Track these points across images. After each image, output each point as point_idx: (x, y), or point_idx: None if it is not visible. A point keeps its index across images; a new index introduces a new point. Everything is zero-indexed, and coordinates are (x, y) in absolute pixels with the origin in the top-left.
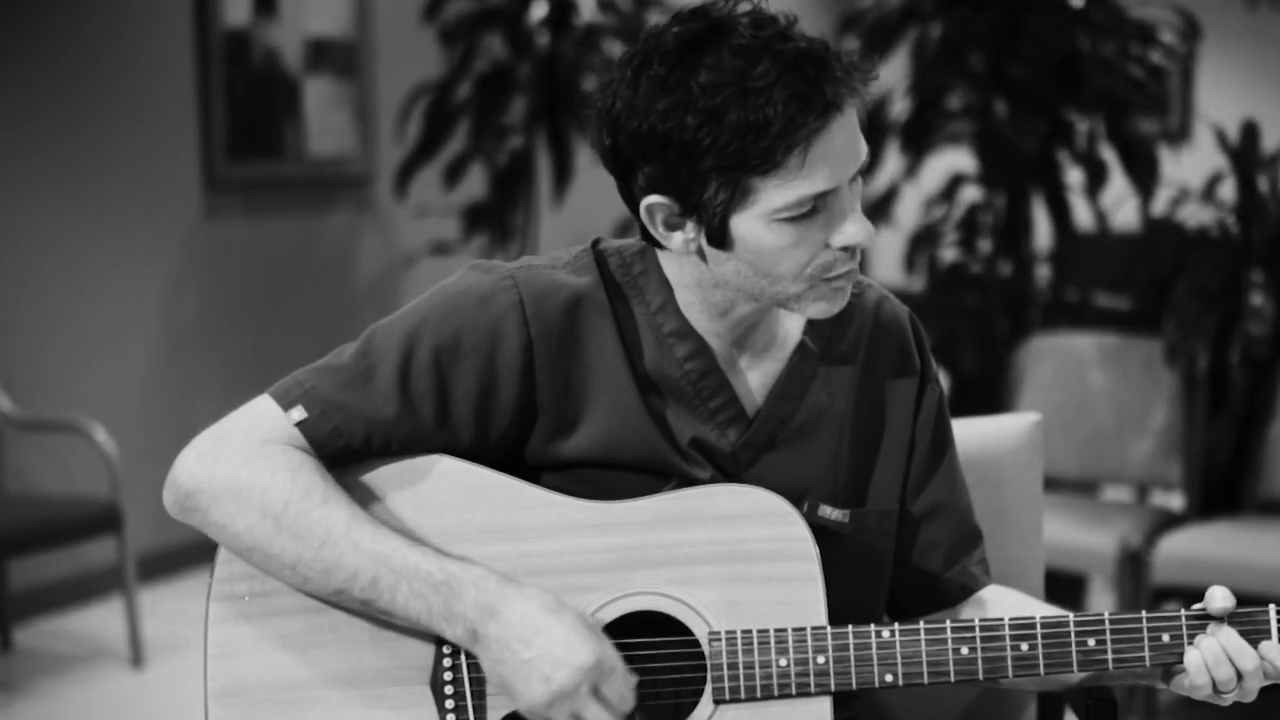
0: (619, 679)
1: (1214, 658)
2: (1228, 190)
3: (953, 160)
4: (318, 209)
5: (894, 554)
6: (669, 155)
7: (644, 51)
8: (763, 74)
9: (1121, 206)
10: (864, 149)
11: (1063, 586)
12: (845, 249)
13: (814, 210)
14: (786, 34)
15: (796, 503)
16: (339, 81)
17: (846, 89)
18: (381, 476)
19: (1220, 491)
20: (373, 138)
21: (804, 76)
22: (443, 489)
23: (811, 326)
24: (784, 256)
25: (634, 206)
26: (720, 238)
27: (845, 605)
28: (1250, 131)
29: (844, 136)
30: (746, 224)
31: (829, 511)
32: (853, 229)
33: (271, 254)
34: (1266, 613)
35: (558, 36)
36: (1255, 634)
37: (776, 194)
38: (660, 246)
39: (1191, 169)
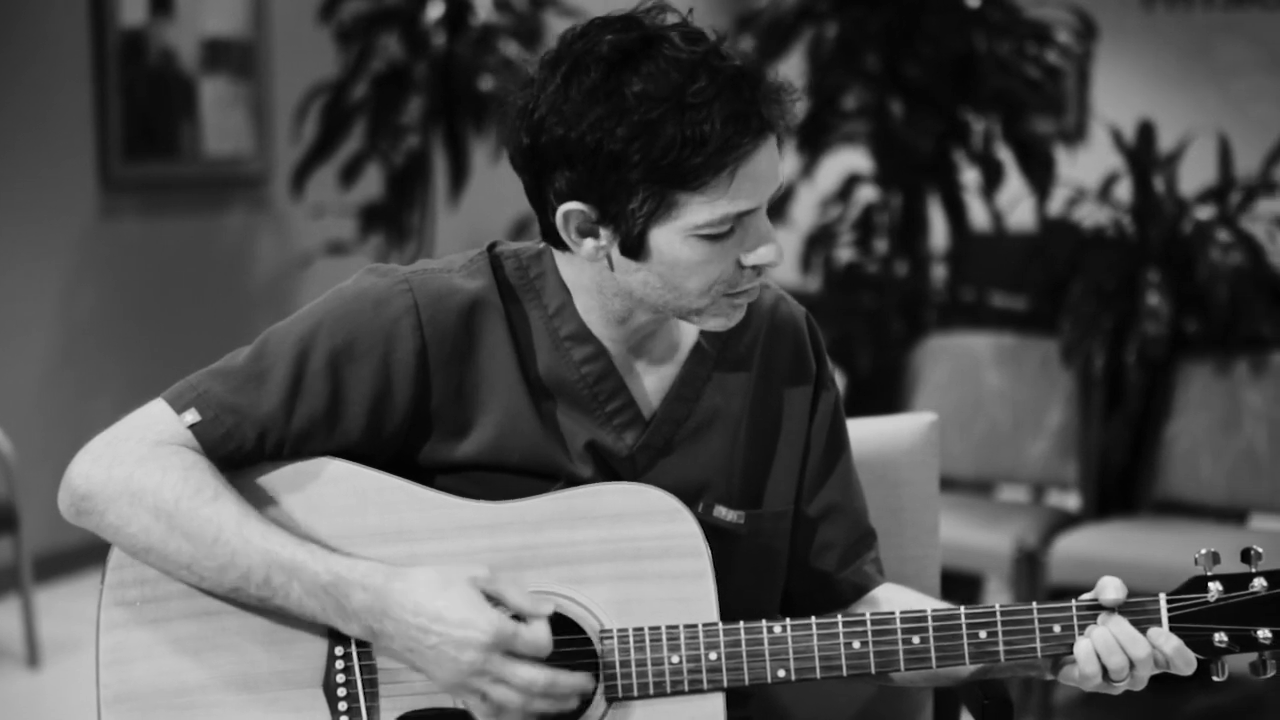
0: (525, 633)
1: (1106, 646)
2: (1124, 190)
3: (848, 160)
4: (214, 208)
5: (788, 554)
6: (596, 164)
7: (573, 56)
8: (700, 90)
9: (1017, 206)
10: (783, 171)
11: (959, 586)
12: (754, 268)
13: (731, 229)
14: (720, 50)
15: (692, 504)
16: (235, 81)
17: (779, 110)
18: (273, 480)
19: (1116, 491)
20: (269, 137)
21: (741, 96)
22: (334, 492)
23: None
24: (696, 271)
25: (541, 207)
26: (635, 248)
27: (739, 605)
28: (1146, 132)
29: (769, 159)
30: (664, 237)
31: (724, 512)
32: (766, 250)
33: (168, 253)
34: (1157, 602)
35: (454, 36)
36: (1145, 623)
37: (701, 210)
38: (564, 249)
39: (1087, 169)
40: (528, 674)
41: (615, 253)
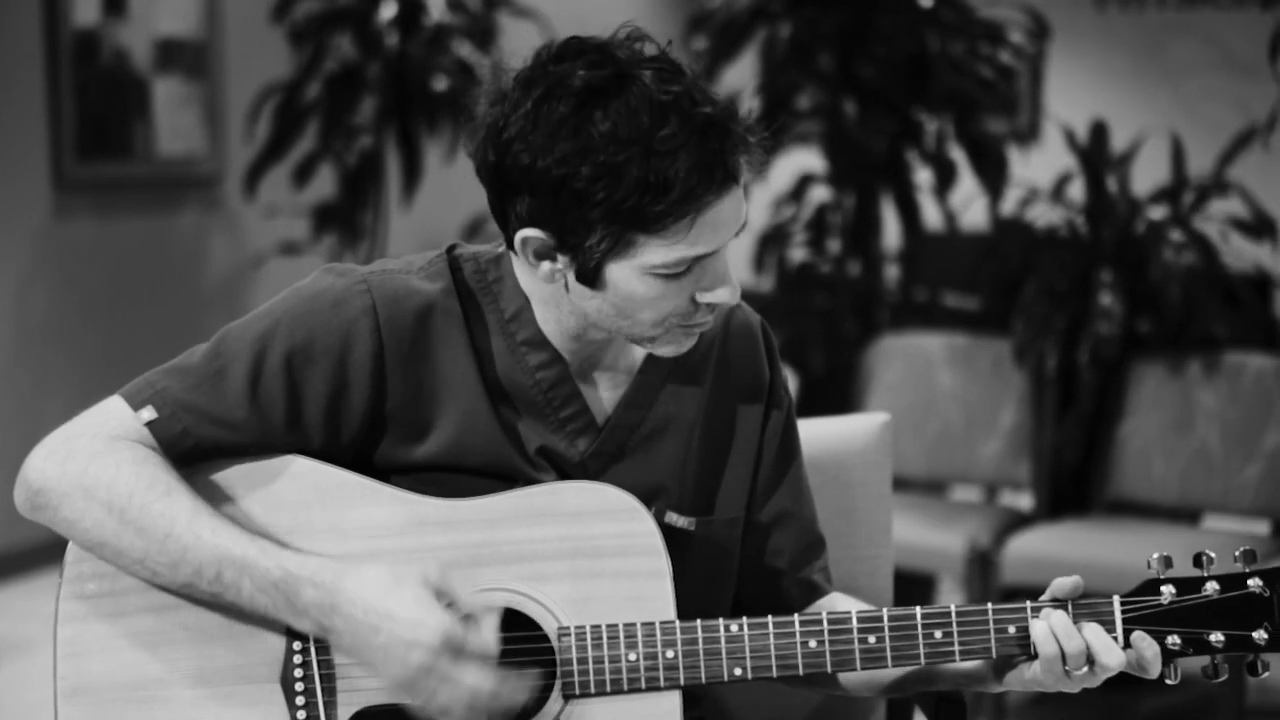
0: (474, 636)
1: (1064, 629)
2: (1076, 190)
3: (802, 160)
4: (167, 209)
5: (739, 561)
6: (559, 198)
7: (547, 83)
8: (668, 137)
9: (970, 206)
10: (745, 214)
11: (912, 586)
12: (709, 305)
13: (688, 269)
14: (693, 95)
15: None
16: (188, 81)
17: (746, 161)
18: (231, 476)
19: (1069, 491)
20: (222, 138)
21: (708, 146)
22: (293, 488)
23: None
24: (649, 306)
25: (503, 223)
26: (592, 279)
27: (691, 610)
28: (1099, 132)
29: (732, 207)
30: (621, 272)
31: (676, 519)
32: (724, 293)
33: (121, 254)
34: (1110, 604)
35: (407, 36)
36: (1101, 624)
37: (658, 252)
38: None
39: (1040, 169)
40: (474, 677)
41: (571, 279)
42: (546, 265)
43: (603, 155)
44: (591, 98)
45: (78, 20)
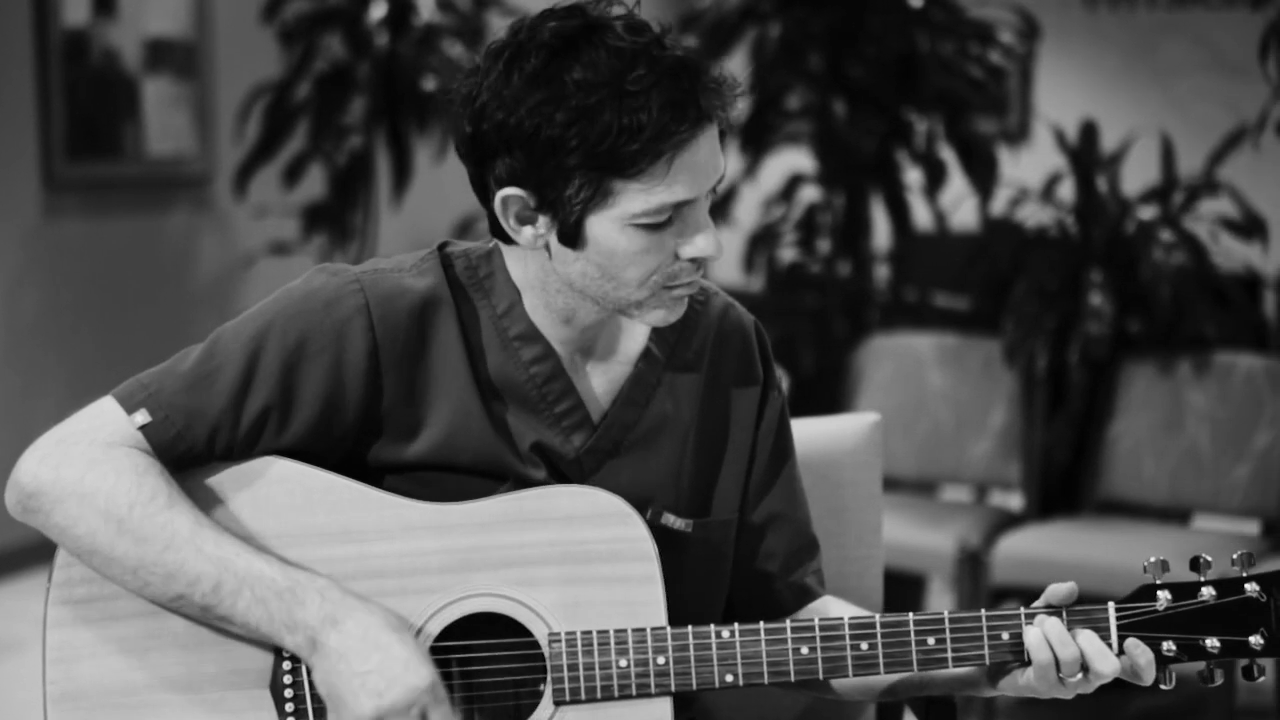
0: (446, 710)
1: (1058, 636)
2: (1066, 190)
3: (792, 160)
4: (157, 209)
5: (732, 562)
6: (534, 149)
7: (516, 44)
8: (639, 78)
9: (960, 206)
10: (723, 163)
11: (902, 586)
12: (692, 260)
13: (669, 220)
14: (662, 41)
15: (639, 510)
16: (178, 81)
17: (718, 101)
18: (221, 481)
19: (1059, 492)
20: (212, 138)
21: (679, 85)
22: (281, 492)
23: (657, 333)
24: (633, 262)
25: (486, 198)
26: (573, 237)
27: (684, 613)
28: (1089, 131)
29: (708, 149)
30: (602, 225)
31: (672, 520)
32: (703, 242)
33: (111, 254)
34: (1105, 610)
35: (397, 36)
36: (1096, 630)
37: (637, 199)
38: (509, 241)
39: (1030, 169)
40: None
41: (554, 241)
42: (528, 231)
43: (575, 100)
44: (563, 49)
45: (67, 20)
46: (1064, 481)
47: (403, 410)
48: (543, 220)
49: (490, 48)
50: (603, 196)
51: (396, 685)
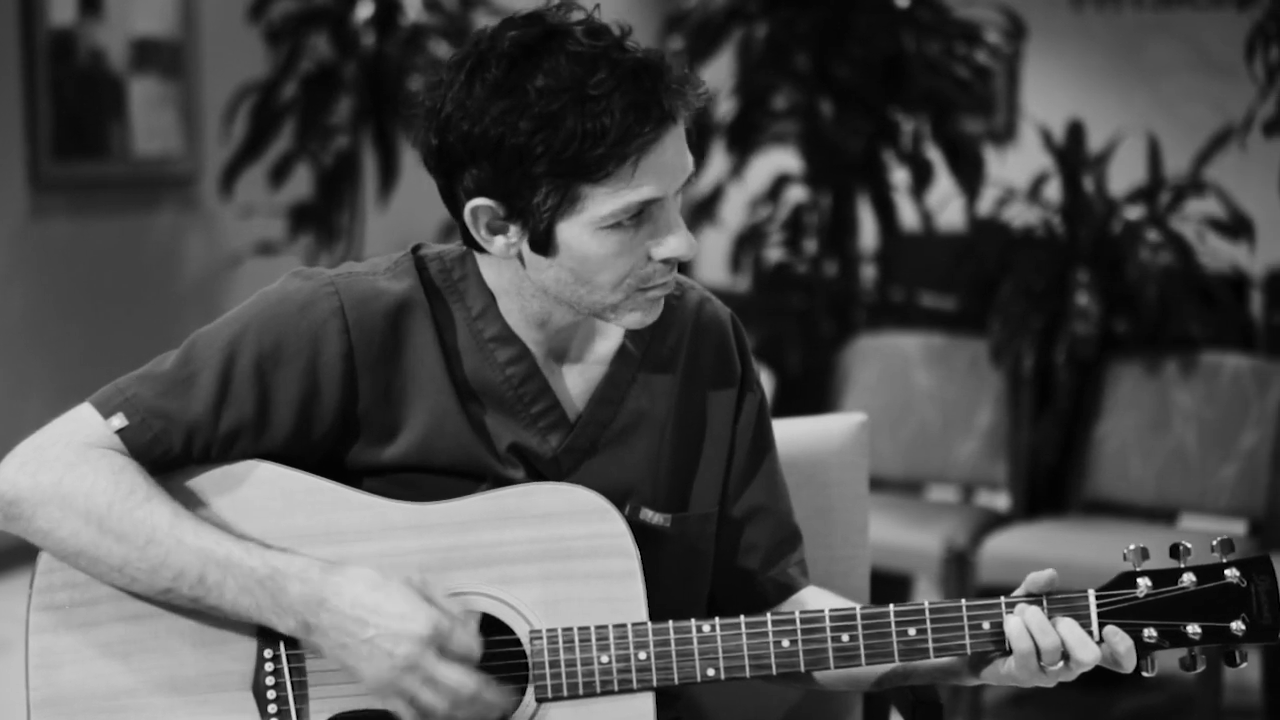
0: (460, 633)
1: (1038, 624)
2: (1053, 190)
3: (778, 160)
4: (144, 208)
5: (713, 556)
6: (500, 158)
7: (478, 54)
8: (600, 82)
9: (947, 206)
10: (691, 162)
11: (888, 586)
12: (665, 261)
13: (639, 220)
14: (622, 44)
15: (618, 507)
16: (165, 81)
17: (681, 101)
18: (200, 484)
19: (1045, 491)
20: (198, 137)
21: (641, 86)
22: (261, 494)
23: (632, 330)
24: (605, 266)
25: (456, 209)
26: (544, 244)
27: (666, 608)
28: (1076, 131)
29: (675, 149)
30: (572, 231)
31: (650, 515)
32: (675, 242)
33: (98, 253)
34: (1085, 596)
35: (383, 36)
36: (1076, 618)
37: (605, 202)
38: (481, 250)
39: (1017, 169)
40: (457, 678)
41: (526, 249)
42: (500, 240)
43: (538, 108)
44: (523, 56)
45: (54, 20)
46: (1050, 481)
47: (379, 412)
48: (513, 229)
49: (453, 59)
50: (571, 202)
51: (403, 640)
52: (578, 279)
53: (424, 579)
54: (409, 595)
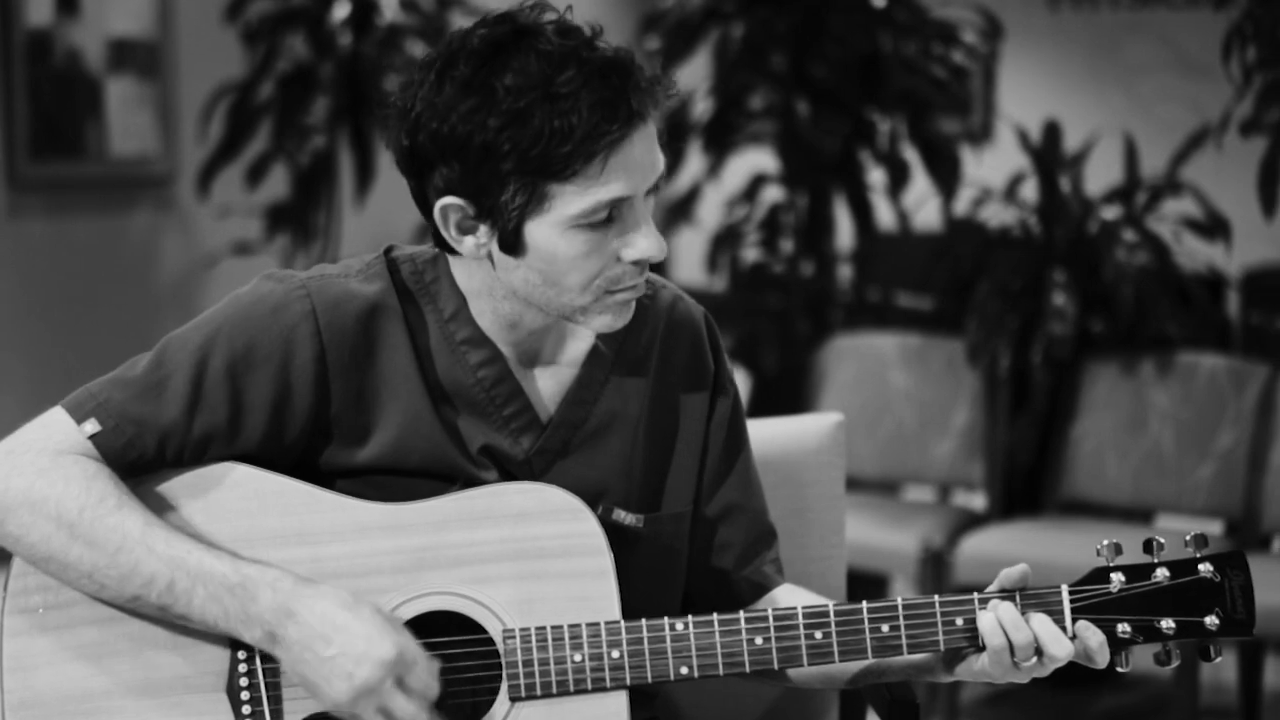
0: (422, 668)
1: (1011, 620)
2: (1030, 190)
3: (755, 160)
4: (120, 209)
5: (688, 555)
6: (469, 157)
7: (448, 53)
8: (568, 80)
9: (923, 206)
10: (661, 162)
11: (865, 586)
12: (635, 263)
13: (608, 220)
14: (592, 43)
15: (591, 507)
16: (141, 81)
17: (650, 99)
18: (173, 486)
19: (1022, 491)
20: (175, 138)
21: (609, 84)
22: (234, 496)
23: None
24: (574, 267)
25: (427, 209)
26: (513, 244)
27: (640, 608)
28: (1052, 132)
29: (644, 147)
30: (541, 231)
31: (623, 515)
32: (645, 243)
33: (74, 254)
34: (1058, 592)
35: (360, 37)
36: (1049, 614)
37: (573, 200)
38: (452, 252)
39: (993, 169)
40: (412, 712)
41: (495, 250)
42: (470, 240)
43: (506, 105)
44: (493, 55)
45: (30, 20)
46: (1027, 481)
47: (352, 415)
48: (483, 229)
49: (423, 59)
50: (539, 201)
51: (365, 663)
52: (546, 280)
53: (395, 613)
54: (378, 621)
